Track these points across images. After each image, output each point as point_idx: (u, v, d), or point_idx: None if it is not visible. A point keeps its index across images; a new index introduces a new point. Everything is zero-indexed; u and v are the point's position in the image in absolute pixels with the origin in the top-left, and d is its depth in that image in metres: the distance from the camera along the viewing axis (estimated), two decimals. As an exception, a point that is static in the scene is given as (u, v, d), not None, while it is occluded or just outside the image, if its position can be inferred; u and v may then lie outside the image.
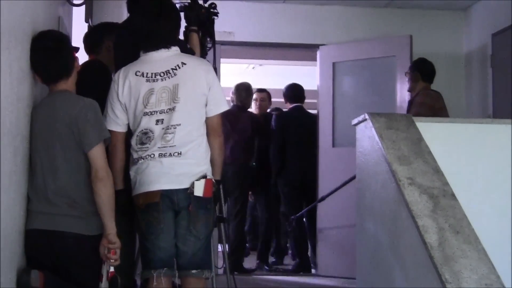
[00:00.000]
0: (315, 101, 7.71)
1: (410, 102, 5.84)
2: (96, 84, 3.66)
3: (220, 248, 5.14)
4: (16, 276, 2.88)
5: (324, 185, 6.99)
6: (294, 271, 7.18)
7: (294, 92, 7.50)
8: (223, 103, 3.62)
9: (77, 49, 3.62)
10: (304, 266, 7.23)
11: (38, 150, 3.12)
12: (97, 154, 3.13)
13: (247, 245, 7.99)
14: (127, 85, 3.49)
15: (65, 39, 3.38)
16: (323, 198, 6.76)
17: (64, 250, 3.06)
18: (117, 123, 3.50)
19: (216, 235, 4.60)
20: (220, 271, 5.29)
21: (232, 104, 7.20)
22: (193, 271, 3.45)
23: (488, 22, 7.04)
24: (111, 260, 3.10)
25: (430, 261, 3.22)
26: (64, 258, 3.06)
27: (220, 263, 5.12)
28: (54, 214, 3.07)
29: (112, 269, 3.11)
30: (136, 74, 3.50)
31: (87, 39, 4.29)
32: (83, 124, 3.12)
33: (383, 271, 3.94)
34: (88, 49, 4.26)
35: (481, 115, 6.95)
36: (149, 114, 3.44)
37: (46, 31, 3.28)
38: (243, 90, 7.29)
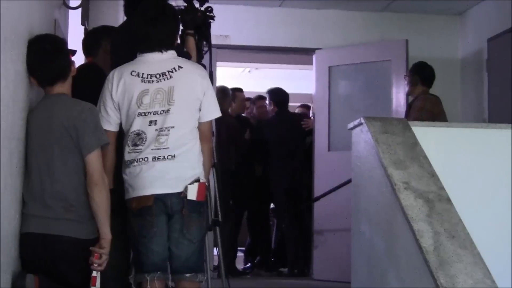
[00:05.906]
0: (310, 104, 7.71)
1: (409, 106, 5.83)
2: (92, 88, 3.65)
3: (215, 251, 5.13)
4: (11, 280, 2.88)
5: (319, 189, 6.98)
6: (290, 274, 7.18)
7: (281, 96, 7.48)
8: (215, 110, 3.63)
9: (74, 52, 3.62)
10: (300, 270, 7.23)
11: (35, 153, 3.11)
12: (94, 158, 3.13)
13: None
14: (122, 84, 3.47)
15: (62, 42, 3.38)
16: (317, 198, 6.75)
17: (60, 253, 3.05)
18: (108, 122, 3.48)
19: (212, 239, 4.59)
20: (213, 274, 5.27)
21: None
22: (187, 275, 3.44)
23: (483, 26, 7.05)
24: (94, 264, 3.08)
25: (425, 265, 3.22)
26: (59, 261, 3.05)
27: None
28: (50, 218, 3.06)
29: (95, 273, 3.06)
30: (131, 74, 3.49)
31: (85, 41, 4.31)
32: (82, 127, 3.11)
33: (378, 275, 3.94)
34: (86, 52, 4.27)
35: (477, 119, 6.96)
36: (143, 114, 3.43)
37: (43, 34, 3.28)
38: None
